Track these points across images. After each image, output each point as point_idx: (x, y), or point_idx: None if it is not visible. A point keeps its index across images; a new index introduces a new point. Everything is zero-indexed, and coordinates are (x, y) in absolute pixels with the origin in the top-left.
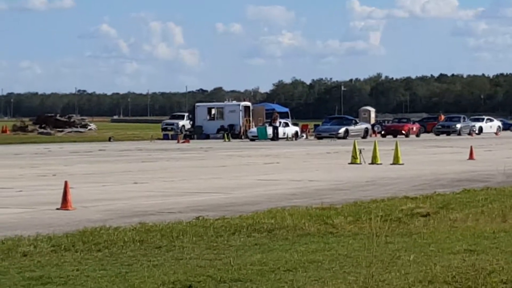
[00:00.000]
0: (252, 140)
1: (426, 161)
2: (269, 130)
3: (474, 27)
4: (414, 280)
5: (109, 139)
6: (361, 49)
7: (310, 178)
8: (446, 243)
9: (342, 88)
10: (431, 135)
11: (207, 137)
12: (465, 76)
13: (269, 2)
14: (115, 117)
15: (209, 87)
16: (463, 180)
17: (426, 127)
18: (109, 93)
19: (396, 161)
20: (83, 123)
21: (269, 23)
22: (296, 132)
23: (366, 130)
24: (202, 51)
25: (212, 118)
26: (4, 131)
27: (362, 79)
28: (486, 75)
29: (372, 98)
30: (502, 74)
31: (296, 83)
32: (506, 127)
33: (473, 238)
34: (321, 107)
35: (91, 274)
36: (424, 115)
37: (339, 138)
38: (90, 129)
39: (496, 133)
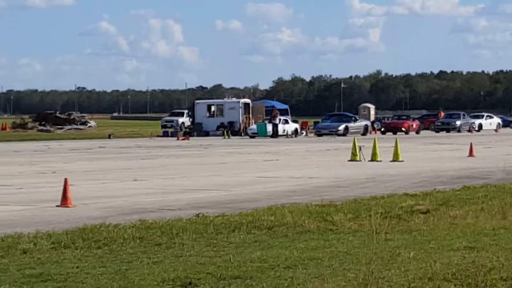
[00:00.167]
0: (251, 137)
1: (426, 158)
2: (269, 127)
3: (474, 24)
4: (414, 277)
5: (109, 136)
6: (361, 46)
7: (309, 175)
8: (446, 240)
9: (342, 85)
10: (431, 132)
11: (206, 134)
12: (465, 73)
13: None
14: (115, 114)
15: (208, 84)
16: (463, 177)
17: (423, 124)
18: (108, 90)
19: (396, 158)
20: (82, 120)
21: (269, 20)
22: (296, 129)
23: (366, 127)
24: (201, 48)
25: (212, 115)
26: (3, 129)
27: (361, 76)
28: (486, 72)
29: (371, 95)
30: (501, 71)
31: (295, 80)
32: (505, 124)
33: (473, 235)
34: (320, 104)
35: (91, 271)
36: (424, 112)
37: (339, 135)
38: (89, 126)
39: (495, 130)
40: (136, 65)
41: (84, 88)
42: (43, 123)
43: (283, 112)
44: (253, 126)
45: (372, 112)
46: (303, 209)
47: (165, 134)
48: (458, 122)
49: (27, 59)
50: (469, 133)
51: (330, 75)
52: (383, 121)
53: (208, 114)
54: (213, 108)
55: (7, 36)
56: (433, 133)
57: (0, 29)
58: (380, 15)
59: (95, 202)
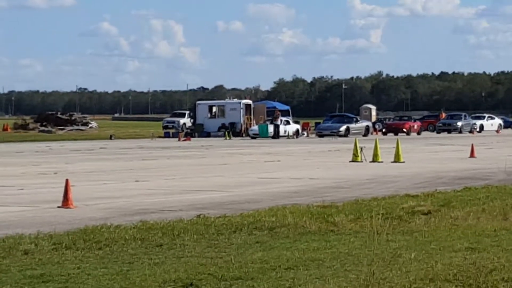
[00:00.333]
0: (253, 138)
1: (427, 159)
2: (271, 128)
3: (475, 25)
4: (415, 278)
5: (110, 137)
6: (362, 47)
7: (311, 176)
8: (447, 241)
9: (343, 86)
10: (432, 133)
11: (208, 135)
12: (466, 74)
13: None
14: (116, 115)
15: (210, 85)
16: (464, 178)
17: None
18: (110, 91)
19: (397, 159)
20: (84, 121)
21: (270, 21)
22: (297, 130)
23: (367, 128)
24: (203, 49)
25: (213, 116)
26: (5, 129)
27: (363, 77)
28: (487, 73)
29: (373, 96)
30: (503, 72)
31: (297, 81)
32: (507, 125)
33: (474, 236)
34: (322, 105)
35: (92, 272)
36: (426, 113)
37: (340, 136)
38: (91, 127)
39: (497, 131)
40: (137, 66)
41: (85, 88)
42: (44, 124)
43: (285, 113)
44: (255, 127)
45: (374, 113)
46: (305, 210)
47: (167, 135)
48: (459, 123)
49: (28, 60)
50: (470, 134)
51: (332, 76)
52: (384, 122)
53: (209, 115)
54: (214, 109)
55: (8, 37)
56: (434, 134)
57: (1, 29)
58: (382, 16)
59: (97, 203)
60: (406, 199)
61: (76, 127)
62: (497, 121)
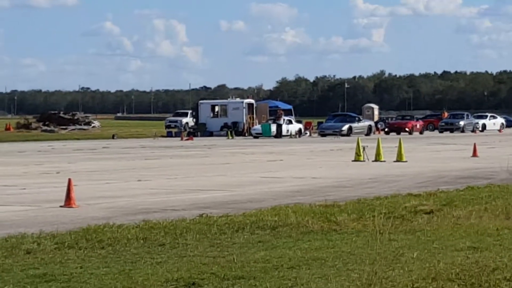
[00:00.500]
0: (255, 137)
1: (430, 158)
2: (273, 127)
3: (477, 25)
4: (417, 277)
5: (113, 137)
6: (365, 46)
7: (313, 175)
8: (450, 240)
9: (346, 85)
10: (434, 132)
11: (210, 134)
12: (468, 73)
13: None
14: (119, 114)
15: (212, 85)
16: (466, 177)
17: None
18: (112, 90)
19: (399, 158)
20: (86, 120)
21: (272, 20)
22: (300, 130)
23: (370, 127)
24: (205, 48)
25: (216, 116)
26: (7, 129)
27: (365, 76)
28: (490, 72)
29: (375, 95)
30: (505, 71)
31: (299, 80)
32: (509, 124)
33: (477, 235)
34: (324, 105)
35: (95, 272)
36: (428, 112)
37: (343, 135)
38: (93, 126)
39: (499, 130)
40: (140, 65)
41: (88, 88)
42: (47, 123)
43: (287, 112)
44: (257, 126)
45: (376, 112)
46: (307, 209)
47: (169, 135)
48: (461, 122)
49: (31, 59)
50: (472, 133)
51: (334, 75)
52: (386, 121)
53: (212, 115)
54: (217, 109)
55: (10, 36)
56: (437, 133)
57: (4, 28)
58: (384, 15)
59: (99, 202)
60: (409, 198)
61: (78, 127)
62: (500, 120)
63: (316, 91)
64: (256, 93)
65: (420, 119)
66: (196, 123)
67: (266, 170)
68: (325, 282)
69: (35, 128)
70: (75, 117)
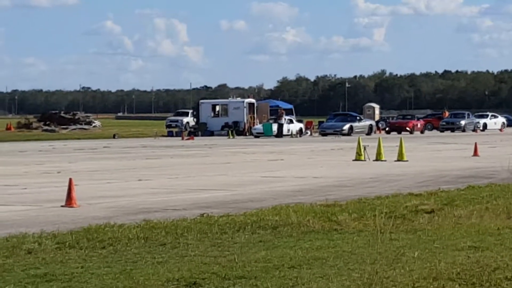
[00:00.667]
0: (256, 137)
1: (431, 157)
2: (274, 127)
3: (478, 24)
4: (418, 276)
5: (114, 136)
6: (366, 46)
7: (314, 175)
8: (451, 240)
9: (346, 84)
10: (435, 132)
11: (211, 134)
12: (469, 72)
13: None
14: (120, 114)
15: (213, 84)
16: (467, 176)
17: None
18: (113, 90)
19: (400, 158)
20: (87, 120)
21: (273, 19)
22: (301, 129)
23: (371, 127)
24: (206, 48)
25: (217, 115)
26: (8, 129)
27: (366, 75)
28: (491, 71)
29: (376, 95)
30: (506, 71)
31: (300, 79)
32: (510, 123)
33: (478, 235)
34: (325, 104)
35: (96, 271)
36: (429, 111)
37: (344, 134)
38: (94, 126)
39: (500, 130)
40: (141, 65)
41: (88, 88)
42: (47, 123)
43: (288, 112)
44: (258, 126)
45: (377, 111)
46: (308, 209)
47: (170, 134)
48: (462, 122)
49: (32, 59)
50: (473, 133)
51: (335, 75)
52: (387, 120)
53: (212, 114)
54: (217, 108)
55: (11, 36)
56: (438, 133)
57: (4, 28)
58: (385, 14)
59: (100, 202)
60: (410, 197)
61: (79, 126)
62: (501, 119)
63: (317, 91)
64: (257, 92)
65: (421, 118)
66: (197, 122)
67: (267, 169)
68: (326, 282)
69: (36, 128)
70: (76, 117)
